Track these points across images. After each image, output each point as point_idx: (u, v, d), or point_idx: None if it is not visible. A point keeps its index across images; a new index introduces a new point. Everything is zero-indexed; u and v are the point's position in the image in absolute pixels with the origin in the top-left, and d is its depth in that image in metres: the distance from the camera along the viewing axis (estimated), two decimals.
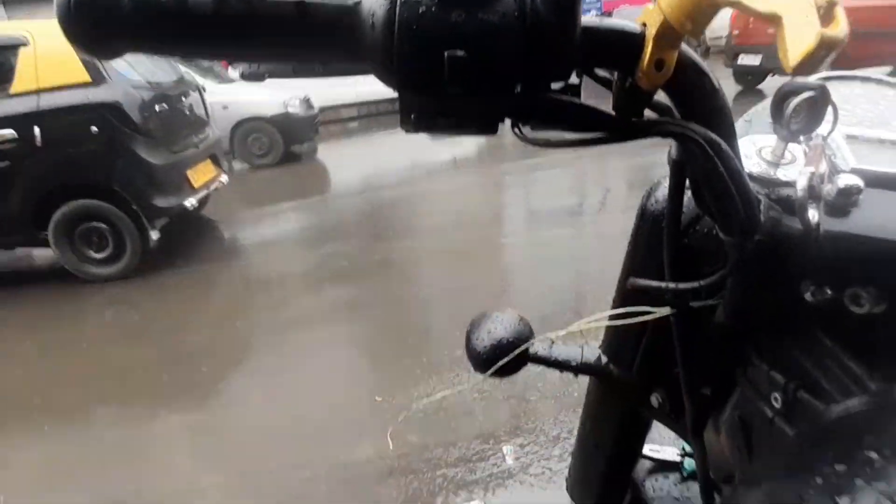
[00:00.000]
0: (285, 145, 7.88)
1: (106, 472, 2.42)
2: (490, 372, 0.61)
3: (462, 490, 2.12)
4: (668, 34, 0.28)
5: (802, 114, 0.36)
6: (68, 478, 2.44)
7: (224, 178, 5.23)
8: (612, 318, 0.51)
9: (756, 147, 0.41)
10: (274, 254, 4.82)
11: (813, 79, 0.45)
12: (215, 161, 5.17)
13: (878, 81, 0.46)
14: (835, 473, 0.32)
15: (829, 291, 0.37)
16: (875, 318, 0.37)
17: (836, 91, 0.46)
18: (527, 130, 0.34)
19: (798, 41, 0.24)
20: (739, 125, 0.45)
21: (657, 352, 0.55)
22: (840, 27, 0.24)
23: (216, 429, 2.67)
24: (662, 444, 0.78)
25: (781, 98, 0.37)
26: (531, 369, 0.63)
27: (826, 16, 0.26)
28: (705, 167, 0.33)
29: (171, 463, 2.47)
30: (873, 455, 0.32)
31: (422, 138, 6.60)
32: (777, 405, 0.44)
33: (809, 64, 0.24)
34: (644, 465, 0.78)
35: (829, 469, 0.32)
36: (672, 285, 0.43)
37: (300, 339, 3.35)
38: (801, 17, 0.25)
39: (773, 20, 0.25)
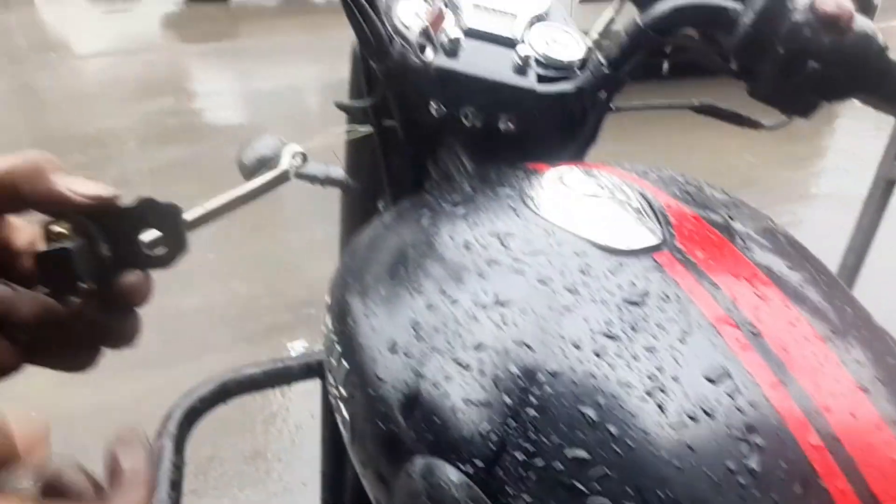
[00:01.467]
0: None
1: None
2: (257, 181, 0.77)
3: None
4: None
5: None
6: None
7: None
8: (336, 136, 0.69)
9: (413, 7, 0.59)
10: None
11: None
12: None
13: None
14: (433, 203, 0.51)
15: (445, 109, 0.57)
16: (476, 129, 0.58)
17: None
18: None
19: None
20: None
21: (377, 167, 0.74)
22: None
23: None
24: None
25: None
26: None
27: None
28: (348, 13, 0.49)
29: None
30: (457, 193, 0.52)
31: None
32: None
33: None
34: None
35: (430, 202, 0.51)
36: (357, 102, 0.61)
37: None
38: None
39: None
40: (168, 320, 2.29)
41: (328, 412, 0.84)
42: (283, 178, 0.83)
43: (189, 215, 0.33)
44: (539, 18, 0.60)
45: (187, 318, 2.36)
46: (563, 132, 0.59)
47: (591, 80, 0.54)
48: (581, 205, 0.44)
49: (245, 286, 2.57)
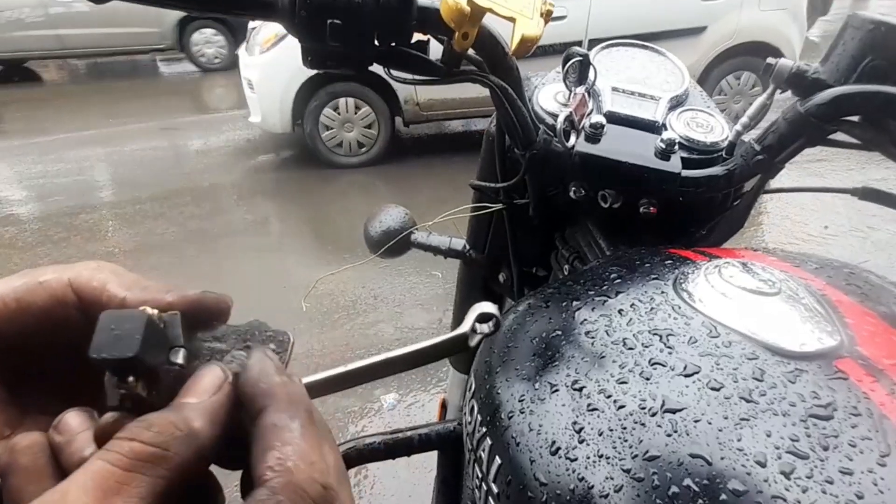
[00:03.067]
0: None
1: None
2: (378, 253, 0.80)
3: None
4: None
5: (575, 71, 0.55)
6: None
7: None
8: (464, 212, 0.71)
9: (554, 91, 0.60)
10: None
11: (599, 47, 0.64)
12: None
13: (653, 49, 0.65)
14: (577, 291, 0.50)
15: (583, 191, 0.57)
16: (614, 211, 0.57)
17: (621, 54, 0.65)
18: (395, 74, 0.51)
19: (515, 38, 0.41)
20: (551, 75, 0.63)
21: (501, 239, 0.75)
22: (539, 31, 0.42)
23: None
24: None
25: (563, 61, 0.55)
26: None
27: (547, 17, 0.43)
28: (498, 103, 0.51)
29: None
30: (598, 280, 0.51)
31: None
32: (566, 272, 0.65)
33: (521, 51, 0.42)
34: None
35: (573, 288, 0.51)
36: (492, 184, 0.62)
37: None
38: (527, 19, 0.42)
39: (511, 21, 0.42)
40: None
41: (445, 486, 0.83)
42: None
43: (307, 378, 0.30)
44: (678, 100, 0.60)
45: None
46: (707, 217, 0.57)
47: (742, 164, 0.52)
48: (745, 301, 0.42)
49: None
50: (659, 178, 0.54)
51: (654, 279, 0.47)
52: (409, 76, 0.50)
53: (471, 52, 0.49)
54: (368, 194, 4.10)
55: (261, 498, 0.21)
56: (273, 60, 4.05)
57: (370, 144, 4.41)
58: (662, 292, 0.45)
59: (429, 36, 0.50)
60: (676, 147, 0.54)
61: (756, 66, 4.42)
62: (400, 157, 4.59)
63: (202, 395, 0.24)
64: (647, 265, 0.50)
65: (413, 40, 0.48)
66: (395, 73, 0.51)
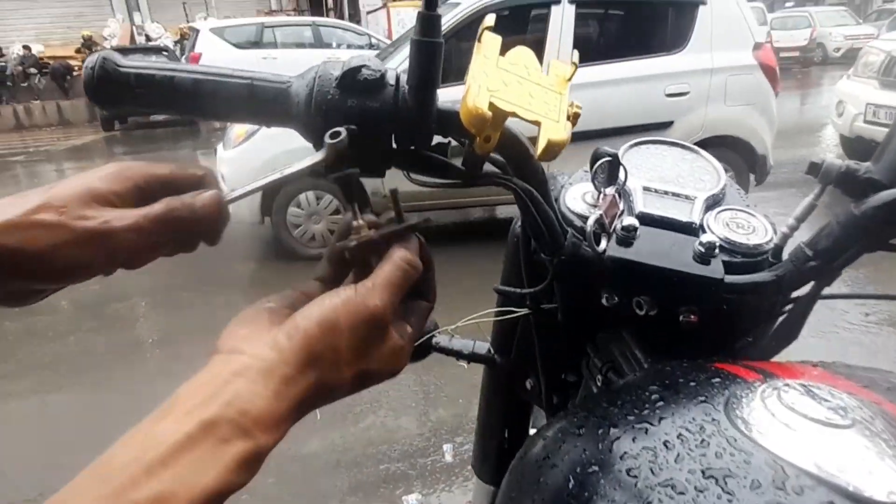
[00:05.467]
0: None
1: None
2: None
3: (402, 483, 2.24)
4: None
5: (604, 171, 0.52)
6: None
7: None
8: (488, 316, 0.66)
9: (582, 192, 0.57)
10: None
11: (627, 145, 0.61)
12: None
13: (683, 146, 0.62)
14: (614, 414, 0.45)
15: (616, 298, 0.52)
16: (651, 319, 0.53)
17: (651, 152, 0.62)
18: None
19: (541, 142, 0.39)
20: (578, 174, 0.60)
21: (528, 344, 0.70)
22: (566, 135, 0.39)
23: None
24: None
25: (592, 160, 0.52)
26: None
27: (573, 119, 0.41)
28: (523, 207, 0.48)
29: None
30: (638, 402, 0.46)
31: None
32: (599, 384, 0.60)
33: (547, 156, 0.39)
34: None
35: (609, 411, 0.46)
36: (518, 290, 0.58)
37: None
38: (553, 122, 0.40)
39: (536, 124, 0.40)
40: (287, 463, 2.29)
41: None
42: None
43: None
44: (715, 200, 0.56)
45: (304, 463, 2.34)
46: (754, 326, 0.52)
47: (793, 270, 0.48)
48: (813, 434, 0.36)
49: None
50: (699, 284, 0.49)
51: (702, 402, 0.41)
52: (429, 179, 0.48)
53: (493, 153, 0.46)
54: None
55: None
56: (242, 154, 4.17)
57: None
58: (714, 420, 0.39)
59: (449, 138, 0.48)
60: (717, 250, 0.50)
61: (727, 159, 4.39)
62: None
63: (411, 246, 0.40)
64: (693, 384, 0.44)
65: (433, 142, 0.46)
66: (414, 176, 0.48)
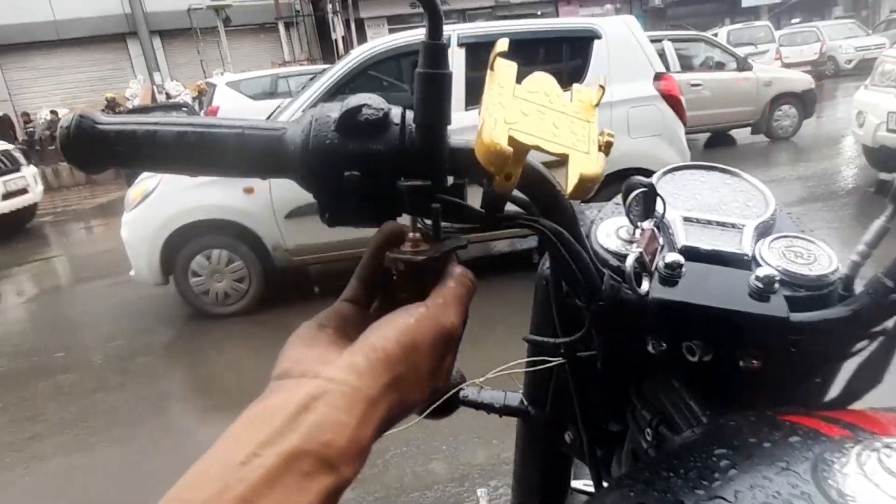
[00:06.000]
0: None
1: None
2: (425, 414, 0.69)
3: None
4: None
5: (640, 204, 0.47)
6: None
7: None
8: (518, 366, 0.61)
9: (616, 227, 0.51)
10: None
11: (660, 172, 0.56)
12: None
13: (722, 170, 0.56)
14: (679, 487, 0.39)
15: (664, 345, 0.46)
16: (705, 365, 0.47)
17: (687, 178, 0.57)
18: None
19: (571, 178, 0.34)
20: (609, 207, 0.55)
21: (564, 394, 0.64)
22: (599, 168, 0.34)
23: None
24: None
25: (625, 192, 0.47)
26: None
27: (606, 149, 0.36)
28: (553, 249, 0.43)
29: None
30: (706, 471, 0.40)
31: None
32: (649, 438, 0.53)
33: (580, 193, 0.34)
34: (578, 499, 0.86)
35: (672, 483, 0.40)
36: (551, 340, 0.52)
37: None
38: (583, 154, 0.35)
39: (563, 158, 0.35)
40: None
41: None
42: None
43: None
44: (766, 227, 0.50)
45: None
46: (826, 368, 0.45)
47: (870, 303, 0.41)
48: None
49: None
50: (760, 325, 0.43)
51: (783, 469, 0.35)
52: (445, 225, 0.43)
53: (515, 192, 0.41)
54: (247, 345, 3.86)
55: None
56: (138, 216, 4.11)
57: (238, 297, 4.30)
58: (803, 493, 0.33)
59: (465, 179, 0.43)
60: (777, 285, 0.44)
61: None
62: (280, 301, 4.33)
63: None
64: (767, 444, 0.38)
65: (447, 183, 0.42)
66: (427, 222, 0.44)
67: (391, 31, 20.11)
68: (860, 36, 17.49)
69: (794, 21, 21.11)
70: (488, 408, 0.70)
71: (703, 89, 8.19)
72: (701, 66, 8.79)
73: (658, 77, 4.33)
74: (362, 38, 19.01)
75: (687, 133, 4.60)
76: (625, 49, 4.31)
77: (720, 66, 8.69)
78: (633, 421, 0.58)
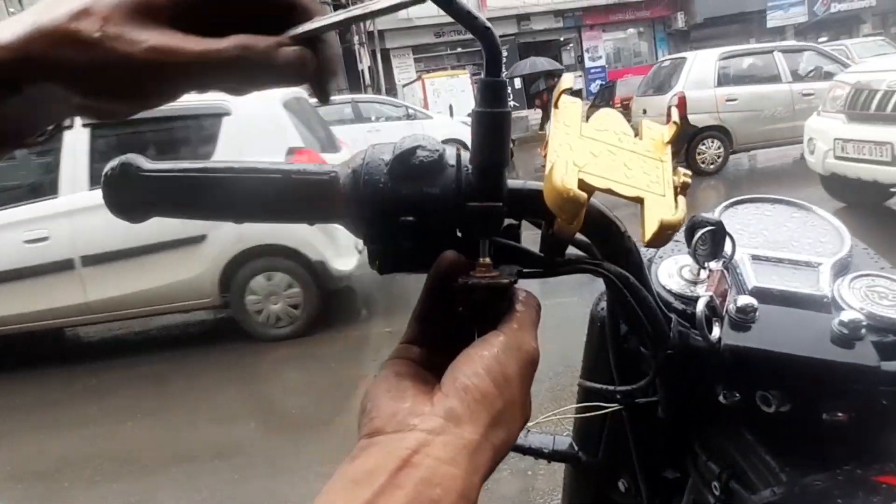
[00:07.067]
0: None
1: None
2: None
3: None
4: None
5: (706, 243, 0.44)
6: None
7: None
8: (572, 411, 0.57)
9: (678, 266, 0.48)
10: None
11: (721, 206, 0.53)
12: None
13: (789, 203, 0.53)
14: None
15: (737, 395, 0.43)
16: (783, 417, 0.43)
17: (751, 213, 0.54)
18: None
19: (649, 224, 0.31)
20: (670, 244, 0.52)
21: (619, 440, 0.60)
22: (680, 213, 0.32)
23: None
24: None
25: (689, 230, 0.44)
26: None
27: (683, 190, 0.33)
28: (618, 294, 0.40)
29: None
30: None
31: None
32: (717, 493, 0.49)
33: (659, 241, 0.32)
34: None
35: None
36: (610, 388, 0.49)
37: None
38: (659, 198, 0.32)
39: (638, 201, 0.32)
40: None
41: None
42: None
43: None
44: (843, 265, 0.47)
45: None
46: None
47: None
48: None
49: None
50: (847, 374, 0.40)
51: None
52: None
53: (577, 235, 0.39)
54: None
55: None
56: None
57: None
58: None
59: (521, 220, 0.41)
60: (863, 330, 0.40)
61: (284, 267, 4.20)
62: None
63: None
64: None
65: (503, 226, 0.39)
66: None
67: (416, 60, 20.45)
68: (891, 53, 17.19)
69: (820, 40, 20.89)
70: (537, 453, 0.66)
71: (814, 98, 7.94)
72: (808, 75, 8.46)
73: (291, 151, 4.13)
74: (388, 69, 19.37)
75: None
76: (257, 124, 4.15)
77: (829, 75, 8.43)
78: (695, 471, 0.54)
